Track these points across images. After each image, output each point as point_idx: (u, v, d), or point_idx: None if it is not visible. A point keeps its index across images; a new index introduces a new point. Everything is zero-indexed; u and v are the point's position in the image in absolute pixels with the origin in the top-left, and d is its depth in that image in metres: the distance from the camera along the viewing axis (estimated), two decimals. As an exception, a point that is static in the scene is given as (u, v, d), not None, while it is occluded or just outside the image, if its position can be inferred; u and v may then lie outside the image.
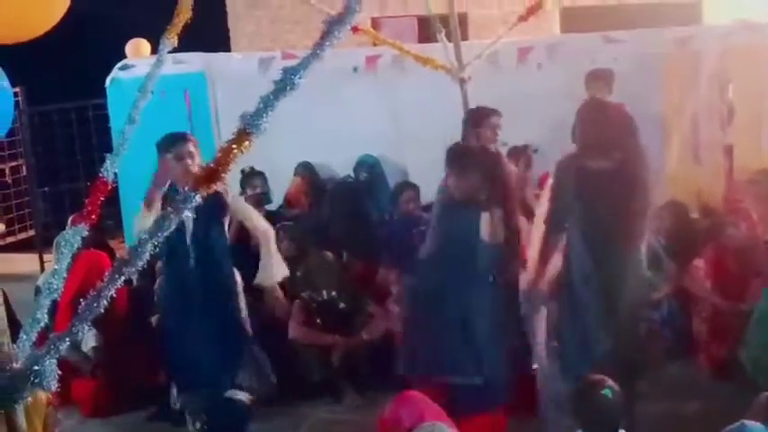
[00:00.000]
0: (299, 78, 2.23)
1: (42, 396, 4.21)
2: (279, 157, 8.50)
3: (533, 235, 5.68)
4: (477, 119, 6.56)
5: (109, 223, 8.75)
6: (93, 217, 3.04)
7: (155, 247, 2.36)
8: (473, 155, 5.98)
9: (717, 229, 7.17)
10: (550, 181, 5.59)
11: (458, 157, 5.88)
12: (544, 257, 5.44)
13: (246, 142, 2.27)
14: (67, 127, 11.72)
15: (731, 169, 8.48)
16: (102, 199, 3.08)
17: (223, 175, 2.27)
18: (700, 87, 8.41)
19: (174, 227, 2.33)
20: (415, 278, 6.22)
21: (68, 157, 11.75)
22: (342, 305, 7.05)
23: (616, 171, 5.17)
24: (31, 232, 12.26)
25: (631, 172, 5.20)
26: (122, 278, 2.40)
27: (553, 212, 5.41)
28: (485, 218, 5.68)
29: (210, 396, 5.94)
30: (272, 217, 8.07)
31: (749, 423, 3.84)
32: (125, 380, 6.82)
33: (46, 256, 10.44)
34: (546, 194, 5.65)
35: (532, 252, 5.59)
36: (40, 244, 10.87)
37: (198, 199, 2.32)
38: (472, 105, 7.15)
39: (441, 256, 5.81)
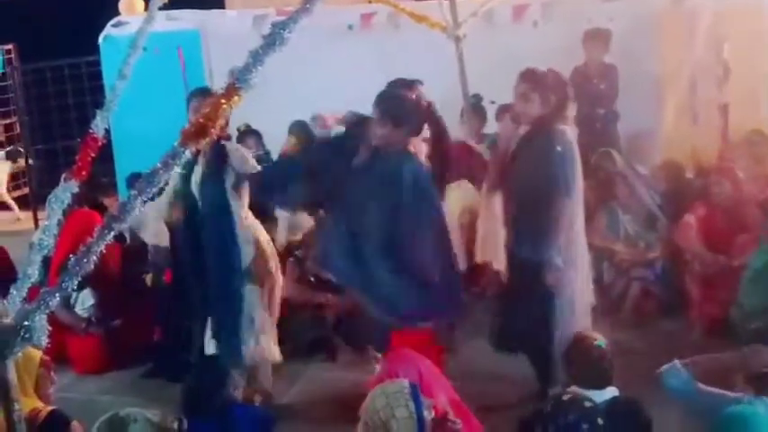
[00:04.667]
0: (289, 33, 2.21)
1: (36, 355, 4.21)
2: (273, 115, 8.46)
3: None
4: None
5: (103, 180, 8.70)
6: (84, 173, 3.01)
7: (144, 202, 2.35)
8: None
9: (706, 188, 7.18)
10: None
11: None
12: None
13: (236, 97, 2.25)
14: (61, 84, 11.67)
15: (726, 128, 8.46)
16: (92, 155, 3.06)
17: (212, 130, 2.26)
18: (695, 46, 8.37)
19: (163, 183, 2.32)
20: None
21: (62, 114, 11.70)
22: (335, 262, 7.05)
23: None
24: (26, 190, 12.25)
25: None
26: (112, 233, 2.39)
27: None
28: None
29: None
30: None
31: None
32: (120, 337, 6.84)
33: (40, 214, 10.43)
34: None
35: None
36: (35, 201, 10.87)
37: (187, 154, 2.31)
38: (467, 63, 7.10)
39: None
